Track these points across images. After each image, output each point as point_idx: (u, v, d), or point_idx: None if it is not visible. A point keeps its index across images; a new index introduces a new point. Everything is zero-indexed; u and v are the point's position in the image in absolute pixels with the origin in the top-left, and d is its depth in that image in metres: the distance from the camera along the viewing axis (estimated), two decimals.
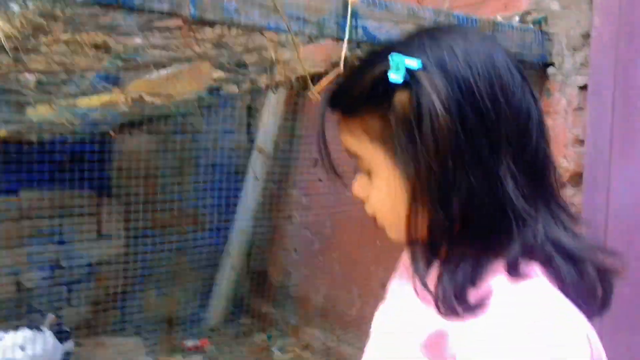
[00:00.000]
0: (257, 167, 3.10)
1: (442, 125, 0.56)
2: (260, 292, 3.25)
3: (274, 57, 1.77)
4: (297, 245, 3.18)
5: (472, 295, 0.56)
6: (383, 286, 2.53)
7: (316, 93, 1.22)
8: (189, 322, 3.05)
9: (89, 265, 2.88)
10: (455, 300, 0.56)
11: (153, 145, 2.98)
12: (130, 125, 2.62)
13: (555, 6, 1.84)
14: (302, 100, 2.96)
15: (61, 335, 2.23)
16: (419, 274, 0.61)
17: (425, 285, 0.59)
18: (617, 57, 1.67)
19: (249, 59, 2.13)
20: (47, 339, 2.10)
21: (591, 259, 0.59)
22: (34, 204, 2.69)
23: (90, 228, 2.87)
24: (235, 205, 3.17)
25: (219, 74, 1.68)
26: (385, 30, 1.44)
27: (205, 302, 3.21)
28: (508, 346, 0.52)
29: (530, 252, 0.58)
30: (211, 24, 1.20)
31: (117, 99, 2.07)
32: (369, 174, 0.66)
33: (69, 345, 2.27)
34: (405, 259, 0.69)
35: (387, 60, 0.58)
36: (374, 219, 0.68)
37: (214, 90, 1.74)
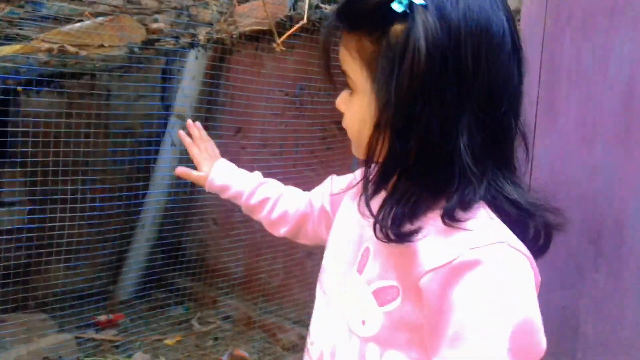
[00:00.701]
0: (174, 134, 2.96)
1: (421, 65, 0.58)
2: (176, 264, 3.14)
3: (213, 9, 1.69)
4: (217, 216, 3.10)
5: (407, 227, 0.62)
6: (308, 255, 2.57)
7: (279, 44, 1.17)
8: (99, 296, 2.88)
9: None
10: (391, 228, 0.61)
11: (61, 107, 2.75)
12: (37, 83, 2.39)
13: None
14: (225, 65, 2.86)
15: None
16: (366, 194, 0.64)
17: (368, 205, 0.64)
18: (544, 33, 1.77)
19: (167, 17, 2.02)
20: None
21: (536, 213, 0.65)
22: None
23: None
24: (149, 174, 3.02)
25: (157, 25, 1.57)
26: None
27: (117, 276, 3.05)
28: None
29: (469, 206, 0.62)
30: None
31: (35, 48, 1.88)
32: (352, 91, 0.69)
33: None
34: (359, 179, 0.71)
35: None
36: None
37: (150, 42, 1.62)
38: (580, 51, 1.72)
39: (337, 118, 2.29)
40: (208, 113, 2.98)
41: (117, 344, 2.53)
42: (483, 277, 0.58)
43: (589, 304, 1.57)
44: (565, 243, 1.56)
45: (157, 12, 2.05)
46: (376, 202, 0.64)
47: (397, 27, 0.60)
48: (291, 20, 1.46)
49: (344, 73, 0.69)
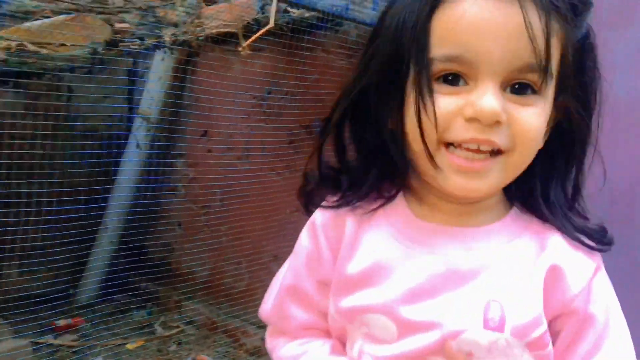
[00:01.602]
0: (140, 135, 2.93)
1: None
2: (140, 267, 3.09)
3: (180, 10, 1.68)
4: (182, 219, 3.07)
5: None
6: (274, 259, 2.55)
7: (243, 49, 1.18)
8: (58, 300, 2.82)
9: None
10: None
11: (21, 106, 2.69)
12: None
13: None
14: (192, 68, 2.84)
15: None
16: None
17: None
18: None
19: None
20: None
21: None
22: None
23: None
24: (114, 176, 2.97)
25: (123, 25, 1.55)
26: None
27: (77, 279, 2.98)
28: None
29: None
30: None
31: None
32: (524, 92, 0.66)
33: None
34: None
35: None
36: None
37: (114, 43, 1.60)
38: None
39: (305, 122, 2.30)
40: (174, 115, 2.95)
41: (75, 349, 2.48)
42: (606, 278, 0.68)
43: None
44: None
45: (124, 12, 2.03)
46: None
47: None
48: (258, 23, 1.46)
49: (540, 72, 0.61)
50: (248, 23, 1.55)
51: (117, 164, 2.95)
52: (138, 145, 2.92)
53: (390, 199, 0.72)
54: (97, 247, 3.00)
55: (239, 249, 2.68)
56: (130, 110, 3.14)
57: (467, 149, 0.61)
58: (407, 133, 0.64)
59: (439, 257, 0.67)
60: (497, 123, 0.59)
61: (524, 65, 0.59)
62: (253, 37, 1.21)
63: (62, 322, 2.65)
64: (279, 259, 2.55)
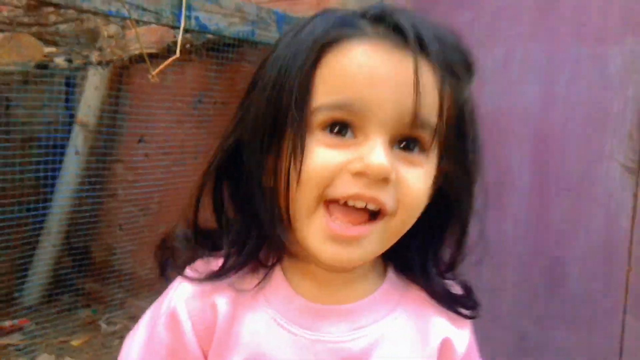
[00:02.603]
0: (78, 142, 3.06)
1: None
2: (83, 269, 3.23)
3: (104, 35, 1.86)
4: (122, 221, 3.22)
5: None
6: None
7: (155, 76, 1.37)
8: (3, 302, 2.93)
9: None
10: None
11: None
12: None
13: (353, 6, 2.19)
14: (127, 76, 2.99)
15: None
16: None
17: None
18: None
19: (67, 29, 2.15)
20: None
21: None
22: None
23: None
24: (55, 181, 3.09)
25: (50, 48, 1.71)
26: (215, 21, 1.63)
27: (21, 282, 3.10)
28: None
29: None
30: (55, 5, 1.28)
31: None
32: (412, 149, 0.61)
33: None
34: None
35: None
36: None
37: (43, 66, 1.76)
38: None
39: None
40: (111, 122, 3.10)
41: (20, 346, 2.61)
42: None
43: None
44: None
45: (56, 23, 2.17)
46: None
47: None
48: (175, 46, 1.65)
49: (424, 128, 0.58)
50: (168, 45, 1.74)
51: (57, 170, 3.07)
52: (77, 152, 3.06)
53: (268, 271, 0.65)
54: (40, 251, 3.12)
55: None
56: (69, 117, 3.25)
57: (351, 207, 0.55)
58: (281, 191, 0.57)
59: (327, 344, 0.62)
60: (385, 180, 0.54)
61: (415, 120, 0.55)
62: (161, 67, 1.40)
63: (7, 323, 2.76)
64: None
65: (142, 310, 2.83)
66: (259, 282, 0.63)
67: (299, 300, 0.63)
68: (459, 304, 0.68)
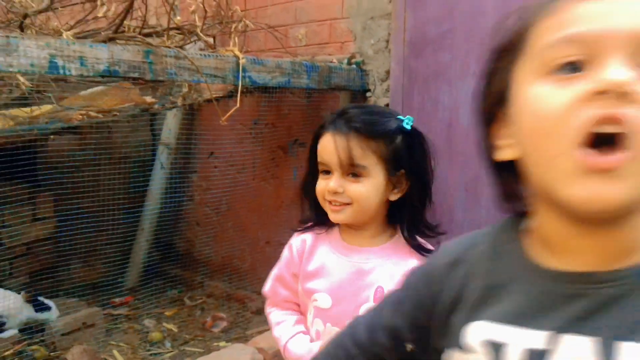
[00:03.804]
0: (163, 158, 3.88)
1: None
2: (169, 258, 4.06)
3: (186, 86, 2.63)
4: (199, 219, 4.03)
5: None
6: (267, 244, 3.58)
7: (223, 121, 2.10)
8: (111, 286, 3.79)
9: (27, 243, 3.51)
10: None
11: (75, 143, 3.66)
12: (66, 129, 3.30)
13: (369, 52, 2.86)
14: (198, 107, 3.79)
15: (40, 306, 2.91)
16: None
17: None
18: (403, 88, 2.73)
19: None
20: (16, 302, 2.79)
21: None
22: None
23: (26, 213, 3.50)
24: (145, 189, 3.93)
25: (150, 99, 2.50)
26: (262, 77, 2.36)
27: (124, 270, 3.95)
28: None
29: None
30: (161, 82, 2.05)
31: (64, 113, 2.80)
32: (358, 175, 1.13)
33: (47, 315, 2.94)
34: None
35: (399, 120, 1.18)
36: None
37: (145, 109, 2.56)
38: (423, 100, 2.68)
39: (281, 144, 3.27)
40: (188, 142, 3.91)
41: (129, 316, 3.44)
42: None
43: None
44: None
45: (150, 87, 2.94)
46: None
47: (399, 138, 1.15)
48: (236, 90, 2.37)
49: (356, 166, 1.12)
50: (230, 92, 2.49)
51: (147, 181, 3.91)
52: (162, 166, 3.88)
53: (330, 228, 1.25)
54: (136, 245, 3.96)
55: (241, 239, 3.63)
56: (154, 138, 4.09)
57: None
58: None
59: (353, 262, 1.18)
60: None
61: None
62: (227, 115, 2.13)
63: (117, 300, 3.62)
64: (271, 244, 3.50)
65: (217, 289, 3.81)
66: (326, 231, 1.26)
67: (343, 243, 1.22)
68: (428, 252, 1.17)
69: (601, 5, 0.50)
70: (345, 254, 1.20)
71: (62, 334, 2.88)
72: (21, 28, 2.38)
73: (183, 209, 4.05)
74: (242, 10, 3.15)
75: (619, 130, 0.46)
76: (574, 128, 0.48)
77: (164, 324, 3.33)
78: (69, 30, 2.55)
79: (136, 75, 1.94)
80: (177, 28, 2.49)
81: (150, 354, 2.94)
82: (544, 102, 0.51)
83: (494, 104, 0.60)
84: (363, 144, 1.11)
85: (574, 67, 0.51)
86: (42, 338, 2.90)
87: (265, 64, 2.38)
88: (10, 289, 3.27)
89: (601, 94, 0.47)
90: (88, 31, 2.79)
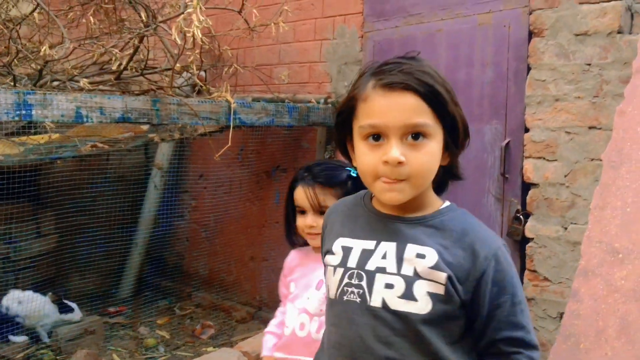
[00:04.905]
0: (156, 179, 4.24)
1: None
2: (160, 271, 4.41)
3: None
4: (189, 236, 4.39)
5: None
6: (251, 259, 3.99)
7: (217, 157, 2.49)
8: (106, 296, 4.12)
9: (31, 257, 3.83)
10: None
11: (75, 165, 4.00)
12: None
13: (343, 92, 3.27)
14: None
15: (65, 308, 3.24)
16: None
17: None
18: None
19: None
20: (44, 303, 3.14)
21: None
22: None
23: (31, 229, 3.83)
24: (140, 208, 4.28)
25: (153, 134, 2.87)
26: (250, 118, 2.76)
27: (117, 281, 4.29)
28: None
29: None
30: (165, 125, 2.44)
31: (68, 138, 3.16)
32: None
33: (71, 316, 3.27)
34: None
35: None
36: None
37: (147, 143, 2.93)
38: None
39: (265, 169, 3.69)
40: (179, 164, 4.28)
41: (124, 324, 3.79)
42: None
43: None
44: None
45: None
46: None
47: None
48: (227, 127, 2.75)
49: (322, 207, 1.43)
50: (221, 127, 2.88)
51: (141, 200, 4.26)
52: (155, 186, 4.24)
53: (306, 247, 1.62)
54: (130, 259, 4.31)
55: (228, 254, 4.00)
56: (147, 160, 4.45)
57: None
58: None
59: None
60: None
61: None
62: (220, 152, 2.51)
63: (112, 309, 3.95)
64: (255, 259, 3.88)
65: (205, 300, 4.24)
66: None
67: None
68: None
69: (385, 103, 0.96)
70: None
71: (67, 340, 3.21)
72: (40, 73, 2.74)
73: (174, 226, 4.41)
74: (231, 49, 3.56)
75: (399, 177, 0.97)
76: (377, 174, 0.98)
77: (157, 331, 3.67)
78: (80, 72, 2.92)
79: (145, 120, 2.33)
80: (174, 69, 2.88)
81: (146, 358, 3.29)
82: (364, 158, 1.00)
83: (344, 135, 1.08)
84: (325, 191, 1.51)
85: (376, 137, 0.98)
86: (48, 343, 3.23)
87: (253, 107, 2.78)
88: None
89: (387, 162, 0.96)
90: (98, 67, 3.16)
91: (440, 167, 1.02)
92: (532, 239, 2.46)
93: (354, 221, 1.10)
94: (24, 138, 3.42)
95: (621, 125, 2.06)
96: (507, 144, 2.57)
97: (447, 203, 1.08)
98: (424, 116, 0.95)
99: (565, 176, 2.37)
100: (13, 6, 3.12)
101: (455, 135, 1.01)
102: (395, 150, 0.94)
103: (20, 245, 3.73)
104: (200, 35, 2.23)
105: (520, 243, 2.54)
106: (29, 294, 3.23)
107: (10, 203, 3.63)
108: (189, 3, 2.32)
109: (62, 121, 2.08)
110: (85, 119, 2.11)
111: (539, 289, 2.46)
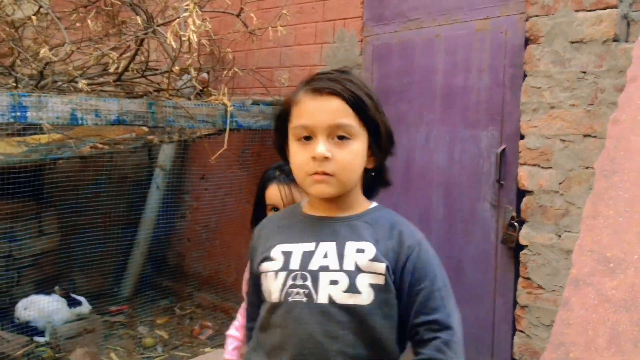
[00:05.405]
0: (158, 180, 4.28)
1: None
2: (161, 271, 4.44)
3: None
4: (189, 236, 4.41)
5: None
6: None
7: (212, 160, 2.50)
8: (107, 295, 4.16)
9: (33, 255, 3.88)
10: None
11: (78, 164, 4.04)
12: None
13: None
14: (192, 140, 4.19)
15: (73, 302, 3.29)
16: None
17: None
18: None
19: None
20: (52, 302, 3.18)
21: None
22: None
23: (33, 228, 3.87)
24: (142, 207, 4.31)
25: (152, 136, 2.90)
26: (247, 121, 2.77)
27: (119, 280, 4.33)
28: None
29: None
30: (161, 127, 2.46)
31: (66, 138, 3.19)
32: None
33: (80, 309, 3.31)
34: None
35: None
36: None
37: (146, 144, 2.96)
38: None
39: (265, 170, 3.63)
40: (182, 165, 4.31)
41: (124, 323, 3.82)
42: None
43: None
44: None
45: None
46: None
47: None
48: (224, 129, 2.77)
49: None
50: (220, 130, 2.90)
51: (143, 200, 4.29)
52: (157, 187, 4.28)
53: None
54: (132, 258, 4.34)
55: (228, 255, 4.02)
56: (150, 160, 4.48)
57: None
58: None
59: None
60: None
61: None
62: (216, 155, 2.53)
63: (113, 308, 3.99)
64: None
65: (205, 300, 4.26)
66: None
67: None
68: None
69: (313, 105, 1.07)
70: None
71: (66, 338, 3.25)
72: (41, 74, 2.77)
73: (176, 226, 4.43)
74: (233, 51, 3.58)
75: (326, 170, 1.07)
76: (308, 170, 1.08)
77: (156, 331, 3.70)
78: (82, 74, 2.95)
79: (140, 123, 2.35)
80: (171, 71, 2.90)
81: (144, 358, 3.31)
82: (296, 157, 1.10)
83: (282, 138, 1.17)
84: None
85: (307, 137, 1.08)
86: (48, 341, 3.27)
87: (250, 110, 2.79)
88: (18, 296, 3.64)
89: (315, 158, 1.06)
90: (101, 67, 3.19)
91: (369, 172, 1.14)
92: (526, 246, 2.45)
93: (290, 228, 1.17)
94: (26, 138, 3.46)
95: (614, 134, 2.05)
96: (503, 150, 2.56)
97: (375, 204, 1.19)
98: (348, 118, 1.07)
99: (559, 184, 2.36)
100: (17, 8, 3.17)
101: (379, 140, 1.11)
102: (321, 146, 1.05)
103: (23, 243, 3.78)
104: (195, 39, 2.25)
105: (514, 250, 2.53)
106: (33, 297, 3.29)
107: (13, 201, 3.68)
108: (186, 7, 2.34)
109: (58, 123, 2.10)
110: (80, 121, 2.13)
111: (532, 296, 2.45)
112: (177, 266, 4.39)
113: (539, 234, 2.41)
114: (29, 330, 3.27)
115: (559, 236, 2.37)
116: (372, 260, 1.06)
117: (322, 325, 1.04)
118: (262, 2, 3.58)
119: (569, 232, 2.35)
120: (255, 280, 1.19)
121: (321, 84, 1.09)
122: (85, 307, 3.31)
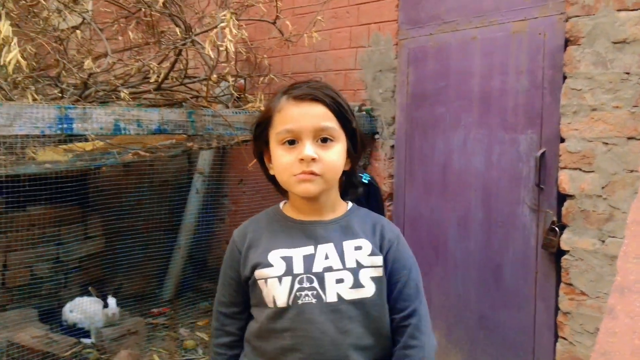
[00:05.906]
0: (198, 184, 4.36)
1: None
2: (202, 273, 4.53)
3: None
4: (228, 239, 4.47)
5: None
6: None
7: (250, 167, 2.54)
8: (150, 297, 4.26)
9: (79, 259, 4.01)
10: None
11: (121, 170, 4.16)
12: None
13: (378, 99, 3.28)
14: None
15: (106, 303, 3.41)
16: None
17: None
18: (406, 133, 3.13)
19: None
20: (89, 305, 3.30)
21: None
22: (39, 216, 3.80)
23: (79, 232, 4.00)
24: (182, 211, 4.41)
25: (191, 143, 2.96)
26: None
27: (161, 283, 4.43)
28: None
29: None
30: (200, 134, 2.51)
31: (109, 146, 3.28)
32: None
33: (106, 311, 3.44)
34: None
35: None
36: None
37: (186, 151, 3.02)
38: (422, 145, 3.07)
39: None
40: (220, 170, 4.38)
41: (167, 325, 3.91)
42: None
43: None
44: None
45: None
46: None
47: None
48: None
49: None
50: None
51: (184, 204, 4.38)
52: (197, 191, 4.36)
53: None
54: (173, 261, 4.44)
55: None
56: (189, 165, 4.57)
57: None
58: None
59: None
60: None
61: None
62: (253, 162, 2.56)
63: (155, 310, 4.08)
64: None
65: None
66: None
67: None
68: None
69: (297, 111, 1.13)
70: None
71: (111, 340, 3.34)
72: (85, 85, 2.87)
73: (215, 229, 4.51)
74: (269, 57, 3.62)
75: (315, 170, 1.11)
76: (294, 171, 1.11)
77: (197, 333, 3.77)
78: (124, 83, 3.04)
79: (181, 132, 2.41)
80: (209, 79, 2.95)
81: (185, 359, 3.39)
82: (282, 159, 1.13)
83: (261, 146, 1.21)
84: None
85: (291, 142, 1.13)
86: (94, 342, 3.37)
87: None
88: (65, 299, 3.78)
89: (302, 160, 1.11)
90: (141, 76, 3.28)
91: (344, 173, 1.20)
92: (568, 251, 2.40)
93: (279, 234, 1.20)
94: (71, 146, 3.58)
95: None
96: (543, 154, 2.51)
97: (351, 204, 1.26)
98: (331, 121, 1.14)
99: (602, 188, 2.30)
100: (62, 20, 3.28)
101: (355, 143, 1.19)
102: (309, 148, 1.11)
103: (69, 247, 3.91)
104: (232, 49, 2.29)
105: (555, 255, 2.48)
106: (78, 300, 3.40)
107: (60, 207, 3.82)
108: (223, 17, 2.38)
109: (101, 134, 2.17)
110: (123, 131, 2.20)
111: (575, 303, 2.40)
112: (217, 269, 4.46)
113: (582, 239, 2.36)
114: (76, 331, 3.39)
115: (603, 241, 2.31)
116: (370, 255, 1.15)
117: (334, 322, 1.11)
118: (296, 9, 3.61)
119: (613, 237, 2.29)
120: (243, 287, 1.22)
121: (302, 91, 1.15)
122: (112, 308, 3.40)
